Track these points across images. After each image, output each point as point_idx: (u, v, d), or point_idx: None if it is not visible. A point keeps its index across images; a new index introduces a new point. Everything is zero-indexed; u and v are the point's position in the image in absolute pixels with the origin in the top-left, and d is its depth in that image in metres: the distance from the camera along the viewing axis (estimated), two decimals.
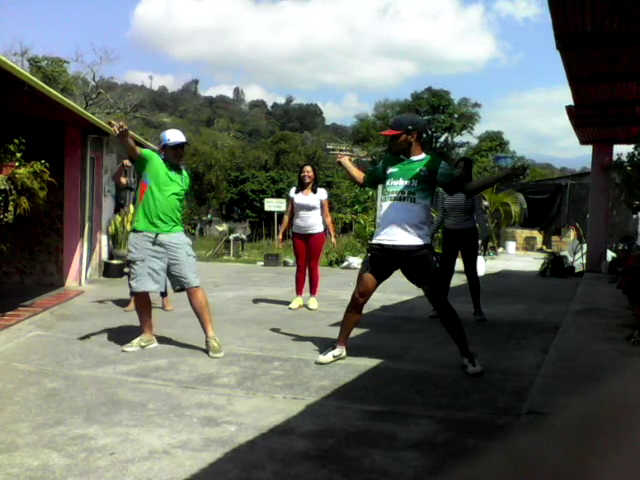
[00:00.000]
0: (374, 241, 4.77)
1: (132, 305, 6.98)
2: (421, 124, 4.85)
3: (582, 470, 0.37)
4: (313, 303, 7.30)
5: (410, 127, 4.62)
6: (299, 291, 7.39)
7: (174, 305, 6.88)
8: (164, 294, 6.63)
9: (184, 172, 5.33)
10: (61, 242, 8.53)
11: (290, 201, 7.29)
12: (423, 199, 4.60)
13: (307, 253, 7.26)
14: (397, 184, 4.62)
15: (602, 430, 0.40)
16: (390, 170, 4.69)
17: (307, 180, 7.08)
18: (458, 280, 7.64)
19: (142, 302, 5.25)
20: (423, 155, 4.68)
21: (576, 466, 0.38)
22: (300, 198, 7.11)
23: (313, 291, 7.38)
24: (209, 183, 27.32)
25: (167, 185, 5.10)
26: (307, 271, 7.37)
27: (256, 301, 7.82)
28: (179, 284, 5.15)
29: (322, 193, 7.20)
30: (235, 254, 15.01)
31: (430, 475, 2.86)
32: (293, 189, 7.34)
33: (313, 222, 7.15)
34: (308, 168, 7.24)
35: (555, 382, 4.22)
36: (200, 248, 15.87)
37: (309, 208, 7.07)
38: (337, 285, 9.30)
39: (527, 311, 7.49)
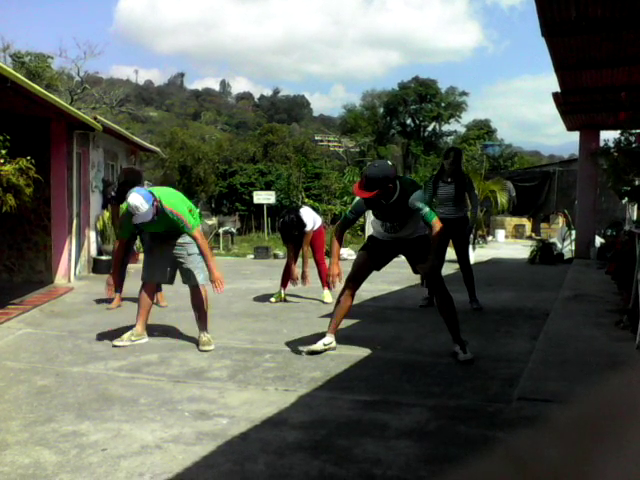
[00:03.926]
0: (373, 234, 5.00)
1: (116, 302, 6.81)
2: (393, 172, 4.53)
3: (583, 470, 0.37)
4: (328, 297, 7.12)
5: (386, 182, 4.43)
6: (284, 284, 7.35)
7: (168, 301, 6.85)
8: (159, 289, 6.58)
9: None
10: (49, 239, 8.47)
11: None
12: (413, 220, 4.67)
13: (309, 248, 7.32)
14: (384, 221, 4.76)
15: (604, 430, 0.39)
16: (372, 211, 4.81)
17: None
18: (448, 269, 7.66)
19: (149, 294, 5.33)
20: (397, 190, 4.52)
21: (577, 466, 0.38)
22: None
23: (325, 284, 7.23)
24: (197, 177, 27.13)
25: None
26: (298, 263, 7.38)
27: (247, 294, 7.81)
28: (183, 280, 5.29)
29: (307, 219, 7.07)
30: (225, 248, 14.95)
31: (422, 463, 2.88)
32: None
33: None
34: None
35: (545, 368, 4.25)
36: None
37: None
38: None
39: (517, 298, 7.53)
